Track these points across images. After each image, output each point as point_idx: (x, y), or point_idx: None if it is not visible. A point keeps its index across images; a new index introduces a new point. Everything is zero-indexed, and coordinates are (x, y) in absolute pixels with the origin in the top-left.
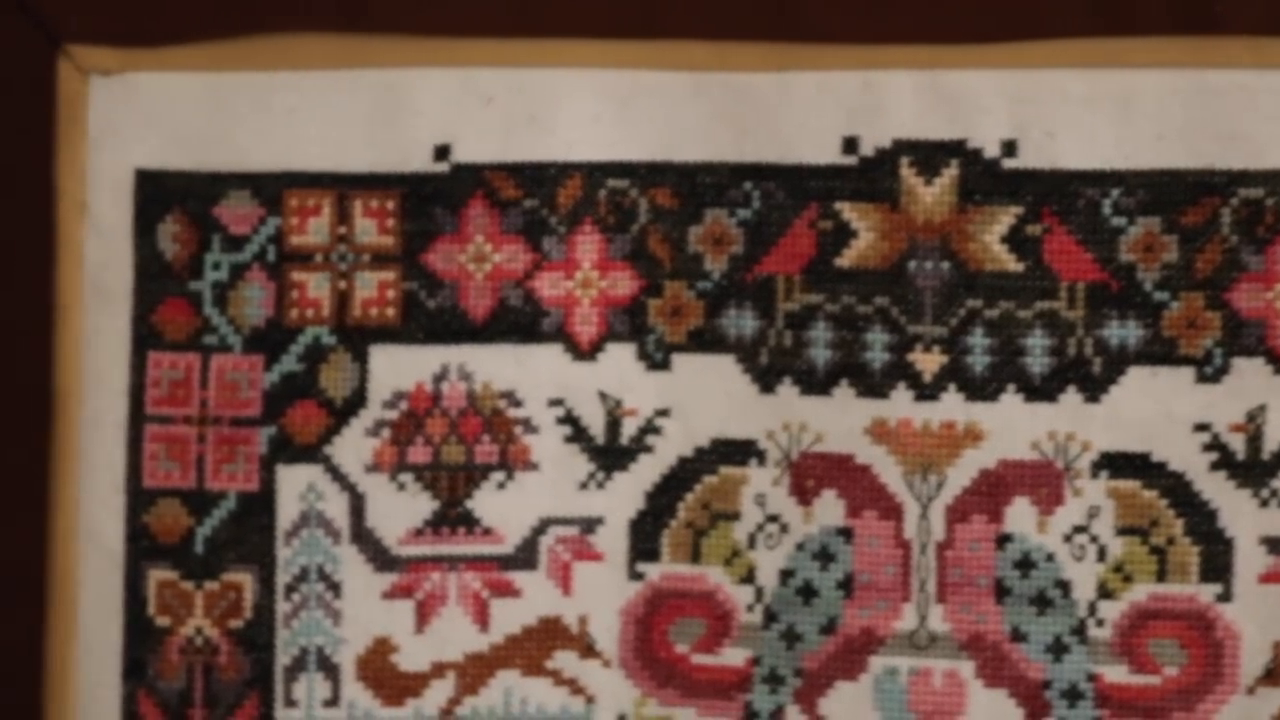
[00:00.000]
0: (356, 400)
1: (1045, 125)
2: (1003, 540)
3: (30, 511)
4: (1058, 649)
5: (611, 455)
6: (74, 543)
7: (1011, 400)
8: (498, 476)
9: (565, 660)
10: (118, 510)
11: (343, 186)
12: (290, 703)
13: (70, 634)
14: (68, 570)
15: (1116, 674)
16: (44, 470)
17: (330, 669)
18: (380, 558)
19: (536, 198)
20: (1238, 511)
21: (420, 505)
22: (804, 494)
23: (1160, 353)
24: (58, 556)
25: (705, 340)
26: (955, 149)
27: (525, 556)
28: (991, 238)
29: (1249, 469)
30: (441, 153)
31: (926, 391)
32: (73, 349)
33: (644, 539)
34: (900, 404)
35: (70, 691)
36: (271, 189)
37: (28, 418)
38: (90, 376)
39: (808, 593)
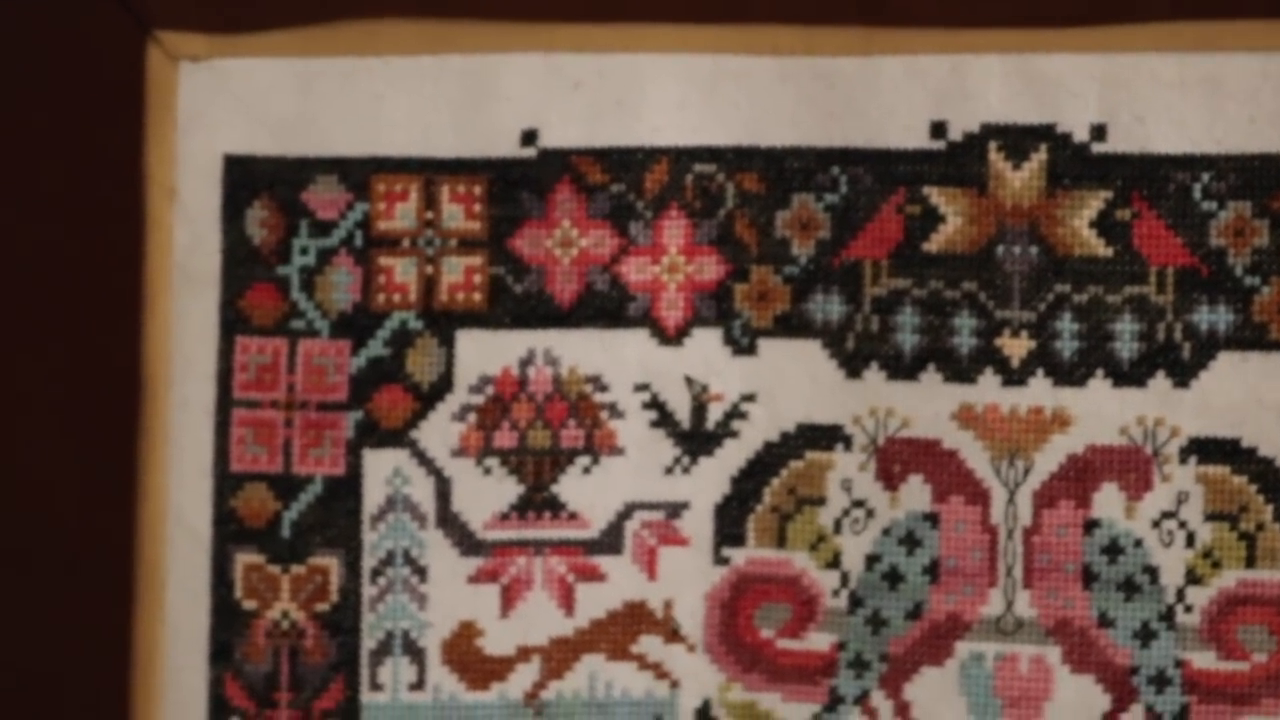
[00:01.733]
0: (443, 385)
1: (1135, 109)
2: (1090, 526)
3: (119, 496)
4: (1145, 635)
5: (697, 440)
6: (162, 527)
7: (1100, 385)
8: (583, 461)
9: (650, 645)
10: (205, 494)
11: (430, 172)
12: (376, 686)
13: (158, 618)
14: (156, 554)
15: (1205, 660)
16: (132, 455)
17: (416, 653)
18: (466, 542)
19: (623, 182)
20: None
21: (506, 490)
22: (890, 479)
23: (1250, 338)
24: (146, 541)
25: (792, 325)
26: (1044, 133)
27: (610, 541)
28: (1080, 222)
29: None
30: (528, 138)
31: (1014, 377)
32: (161, 334)
33: (729, 524)
34: (988, 389)
35: (158, 675)
36: (359, 174)
37: (117, 403)
38: (178, 361)
39: (893, 578)
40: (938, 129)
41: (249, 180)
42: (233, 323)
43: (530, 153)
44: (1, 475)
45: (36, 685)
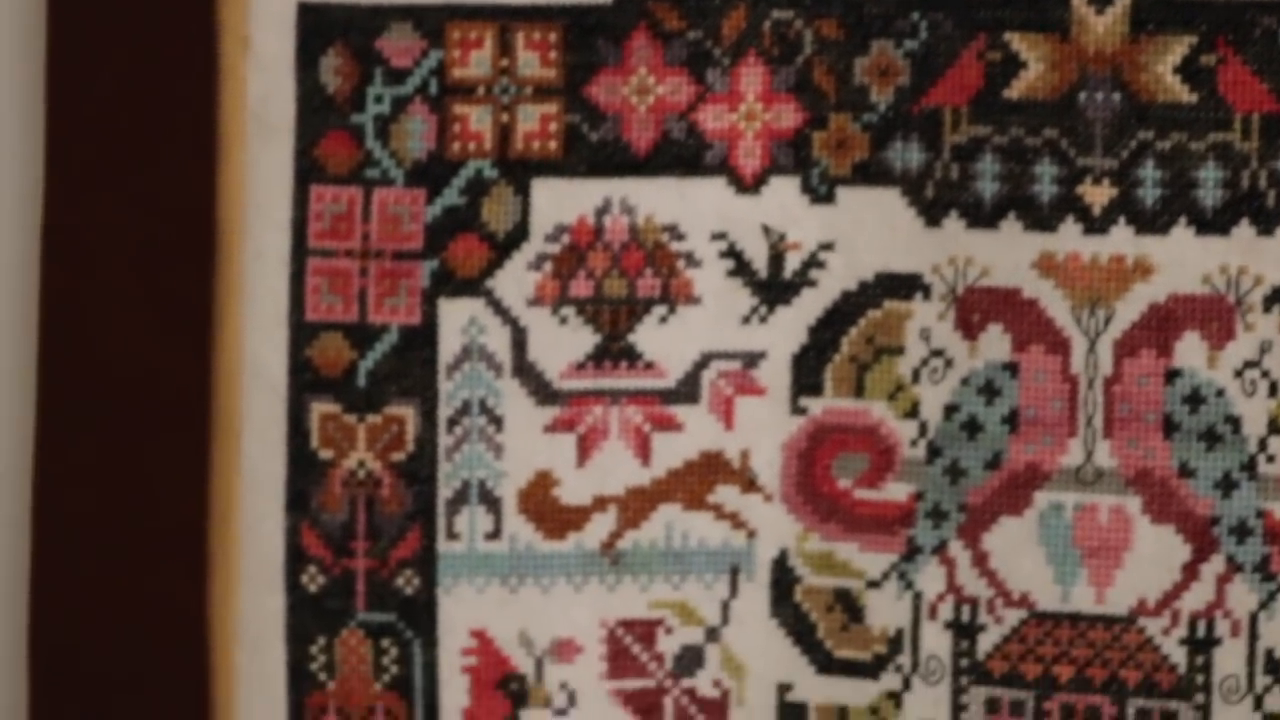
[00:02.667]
0: (518, 234)
1: None
2: (1172, 375)
3: (195, 346)
4: (1227, 485)
5: (774, 289)
6: (238, 376)
7: (1182, 234)
8: (660, 310)
9: (727, 495)
10: (281, 344)
11: (505, 19)
12: (452, 535)
13: (234, 467)
14: (232, 404)
15: None
16: (208, 305)
17: (492, 502)
18: (542, 391)
19: (700, 29)
20: None
21: (582, 339)
22: (969, 328)
23: None
24: (222, 390)
25: (870, 173)
26: None
27: (687, 390)
28: (1164, 68)
29: None
30: None
31: (1096, 225)
32: (236, 183)
33: (807, 373)
34: (1069, 237)
35: (234, 524)
36: (433, 21)
37: (192, 253)
38: (253, 211)
39: (972, 428)
40: None
41: (323, 28)
42: (307, 171)
43: None
44: (78, 326)
45: (113, 533)
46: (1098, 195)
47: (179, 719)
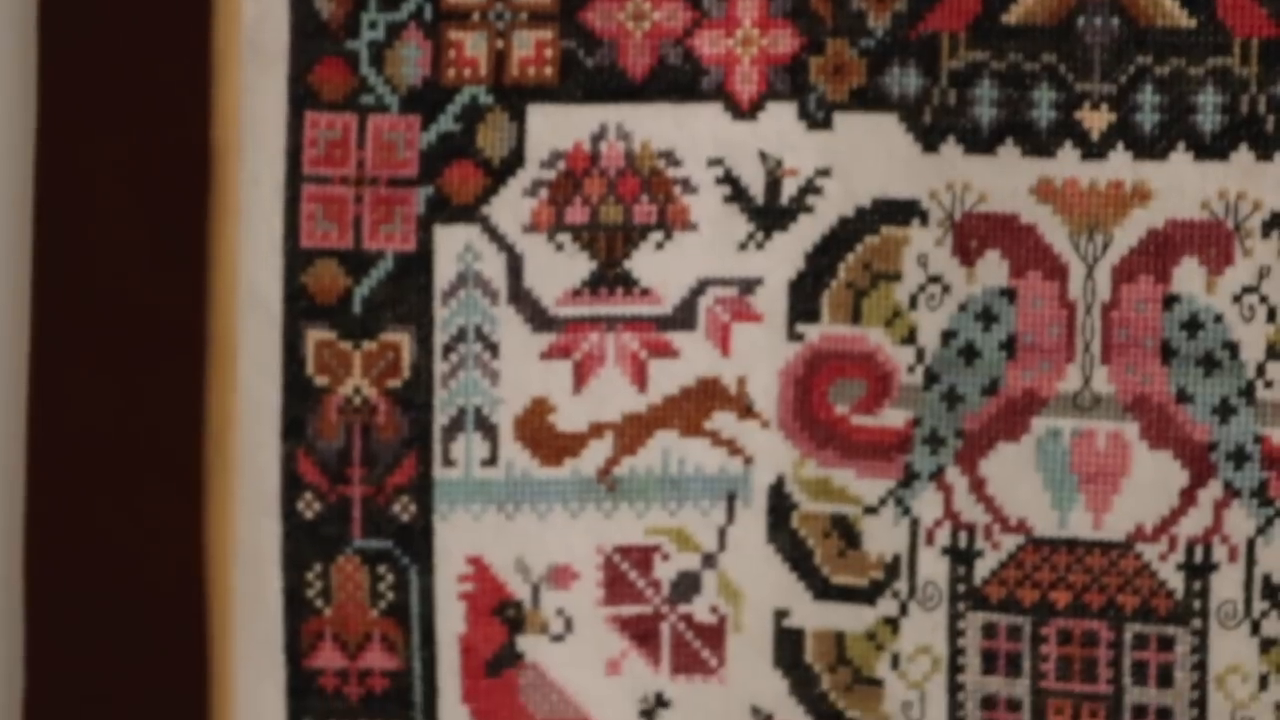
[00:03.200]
0: (514, 160)
1: None
2: (1170, 301)
3: (191, 271)
4: (1224, 411)
5: (771, 215)
6: (233, 302)
7: (1181, 159)
8: (656, 236)
9: (723, 421)
10: (276, 270)
11: None
12: (448, 462)
13: (230, 393)
14: (228, 330)
15: None
16: (203, 230)
17: (488, 429)
18: (538, 318)
19: None
20: None
21: (578, 265)
22: (967, 254)
23: None
24: (218, 316)
25: (867, 99)
26: None
27: (683, 317)
28: None
29: None
30: None
31: (1094, 150)
32: (230, 109)
33: (803, 299)
34: (1067, 163)
35: (230, 450)
36: None
37: (187, 179)
38: (247, 137)
39: (969, 354)
40: None
41: None
42: (301, 98)
43: None
44: (73, 253)
45: (109, 459)
46: (1096, 121)
47: (176, 644)
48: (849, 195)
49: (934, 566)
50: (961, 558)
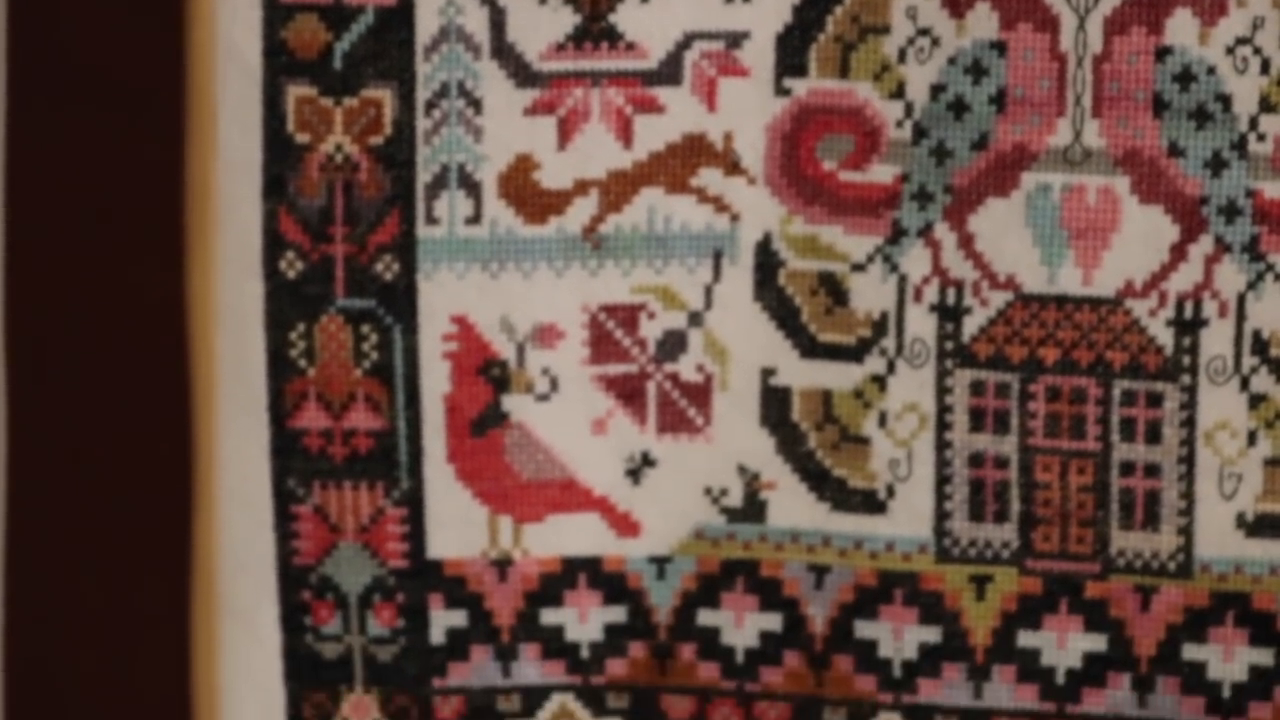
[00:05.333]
0: None
1: None
2: (1162, 53)
3: (166, 28)
4: (1216, 164)
5: None
6: (211, 59)
7: None
8: None
9: (710, 178)
10: (255, 26)
11: None
12: (432, 220)
13: (210, 151)
14: (205, 87)
15: (1276, 190)
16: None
17: (471, 186)
18: (521, 73)
19: None
20: None
21: (562, 19)
22: (956, 6)
23: None
24: (195, 73)
25: None
26: None
27: (669, 72)
28: None
29: None
30: None
31: None
32: None
33: (791, 53)
34: None
35: (211, 209)
36: None
37: None
38: None
39: (959, 108)
40: None
41: None
42: None
43: None
44: (47, 12)
45: (88, 217)
46: None
47: (158, 404)
48: None
49: (922, 324)
50: (949, 314)
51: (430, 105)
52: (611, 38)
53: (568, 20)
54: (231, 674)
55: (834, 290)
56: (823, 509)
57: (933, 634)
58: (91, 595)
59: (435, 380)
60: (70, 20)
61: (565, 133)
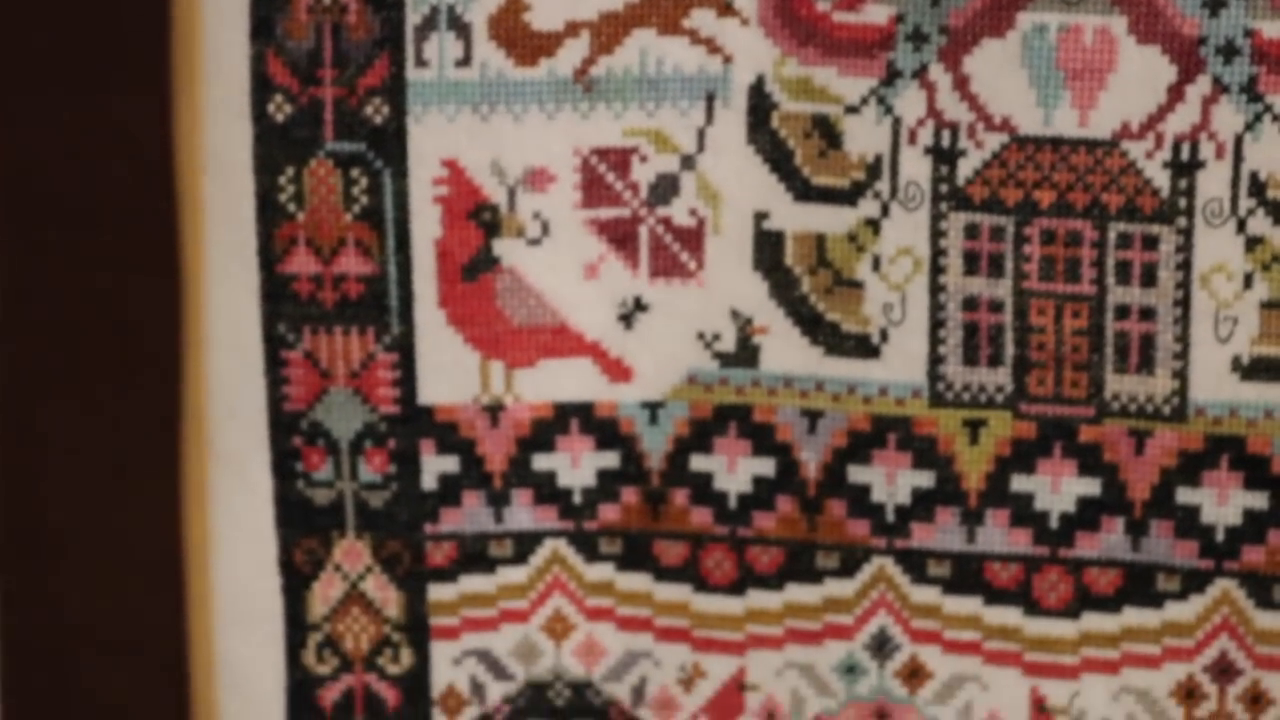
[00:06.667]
0: None
1: None
2: None
3: None
4: (1214, 3)
5: None
6: None
7: None
8: None
9: (702, 19)
10: None
11: None
12: (421, 63)
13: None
14: None
15: (1275, 29)
16: None
17: (461, 28)
18: None
19: None
20: None
21: None
22: None
23: None
24: None
25: None
26: None
27: None
28: None
29: None
30: None
31: None
32: None
33: None
34: None
35: (198, 52)
36: None
37: None
38: None
39: None
40: None
41: None
42: None
43: None
44: None
45: (75, 65)
46: None
47: (146, 248)
48: None
49: (916, 166)
50: (944, 157)
51: None
52: None
53: None
54: (223, 521)
55: (828, 133)
56: (816, 353)
57: (926, 479)
58: (80, 450)
59: (426, 224)
60: None
61: None
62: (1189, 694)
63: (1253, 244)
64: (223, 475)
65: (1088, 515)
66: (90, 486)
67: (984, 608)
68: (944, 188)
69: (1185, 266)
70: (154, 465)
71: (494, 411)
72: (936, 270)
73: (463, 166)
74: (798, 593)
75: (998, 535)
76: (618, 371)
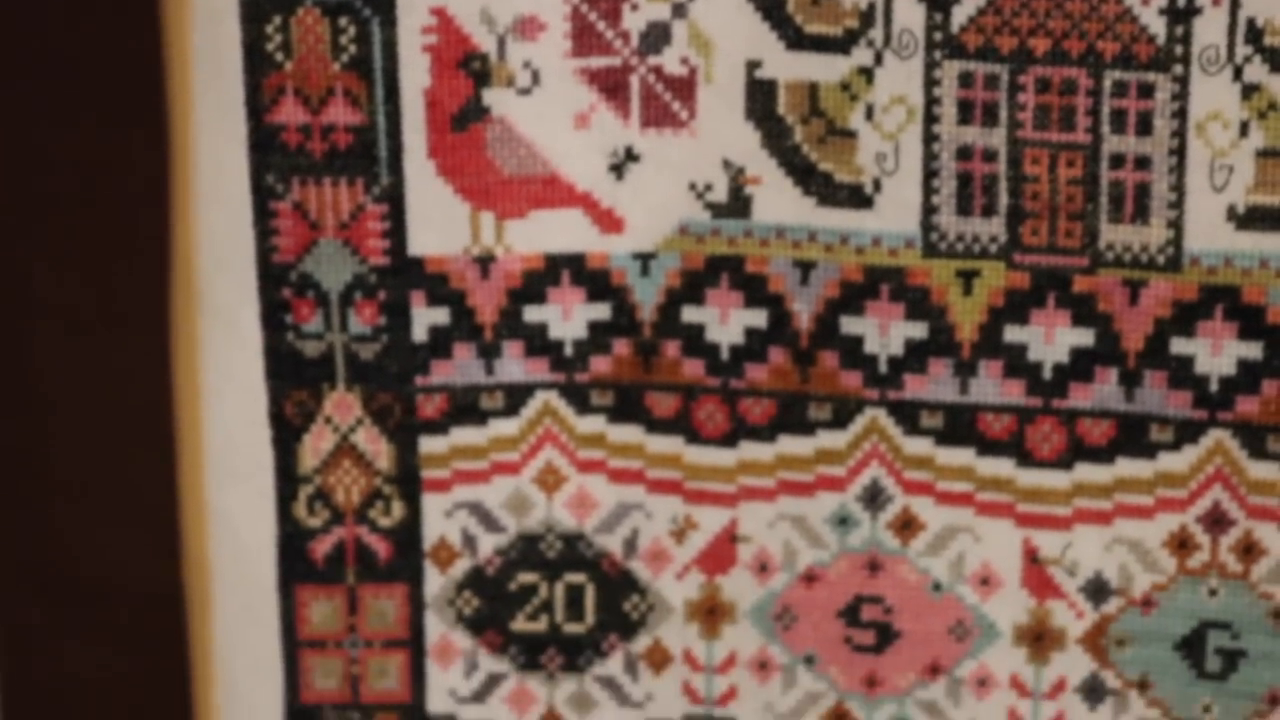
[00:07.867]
0: None
1: None
2: None
3: None
4: None
5: None
6: None
7: None
8: None
9: None
10: None
11: None
12: None
13: None
14: None
15: None
16: None
17: None
18: None
19: None
20: None
21: None
22: None
23: None
24: None
25: None
26: None
27: None
28: None
29: None
30: None
31: None
32: None
33: None
34: None
35: None
36: None
37: None
38: None
39: None
40: None
41: None
42: None
43: None
44: None
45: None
46: None
47: (134, 102)
48: None
49: (910, 14)
50: (938, 4)
51: None
52: None
53: None
54: (213, 374)
55: None
56: (808, 204)
57: (919, 329)
58: (69, 305)
59: (414, 74)
60: None
61: None
62: (1182, 544)
63: (1249, 91)
64: (213, 328)
65: (1081, 366)
66: (80, 341)
67: (977, 459)
68: (938, 35)
69: (1181, 115)
70: (144, 319)
71: (484, 263)
72: (930, 119)
73: (452, 15)
74: (790, 444)
75: (991, 386)
76: (609, 222)
